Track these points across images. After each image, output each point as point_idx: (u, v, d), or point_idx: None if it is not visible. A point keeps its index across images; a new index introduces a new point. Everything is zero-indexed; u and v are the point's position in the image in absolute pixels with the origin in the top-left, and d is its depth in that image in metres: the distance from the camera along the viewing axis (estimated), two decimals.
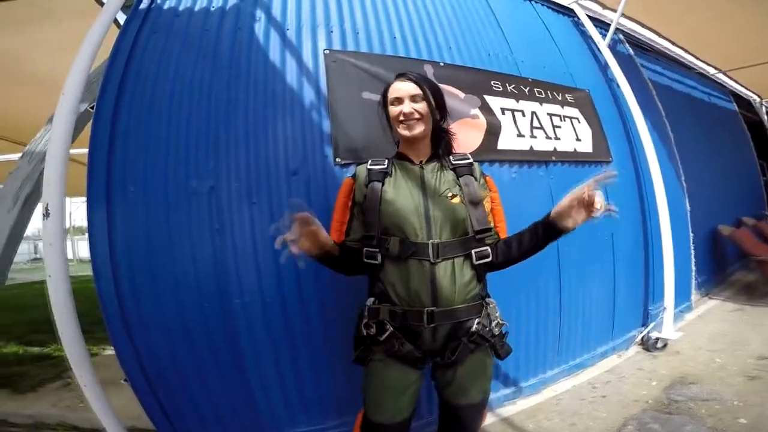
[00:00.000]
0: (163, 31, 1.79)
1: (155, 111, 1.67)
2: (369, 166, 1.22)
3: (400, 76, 1.21)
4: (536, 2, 3.11)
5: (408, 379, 1.13)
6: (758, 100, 6.78)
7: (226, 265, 1.61)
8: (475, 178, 1.21)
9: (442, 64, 2.20)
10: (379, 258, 1.12)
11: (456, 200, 1.15)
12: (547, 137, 2.41)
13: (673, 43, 4.42)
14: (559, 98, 2.58)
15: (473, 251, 1.13)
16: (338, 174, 1.79)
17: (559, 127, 2.49)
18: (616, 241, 2.73)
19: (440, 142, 1.25)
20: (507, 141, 2.24)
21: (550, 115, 2.48)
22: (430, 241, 1.10)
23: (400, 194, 1.16)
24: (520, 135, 2.28)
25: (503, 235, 1.23)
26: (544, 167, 2.40)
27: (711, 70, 5.22)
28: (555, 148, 2.44)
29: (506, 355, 1.17)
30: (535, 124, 2.38)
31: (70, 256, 8.61)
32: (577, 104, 2.68)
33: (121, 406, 1.53)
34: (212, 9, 1.89)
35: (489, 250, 1.16)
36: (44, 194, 1.38)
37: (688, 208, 3.48)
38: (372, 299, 1.15)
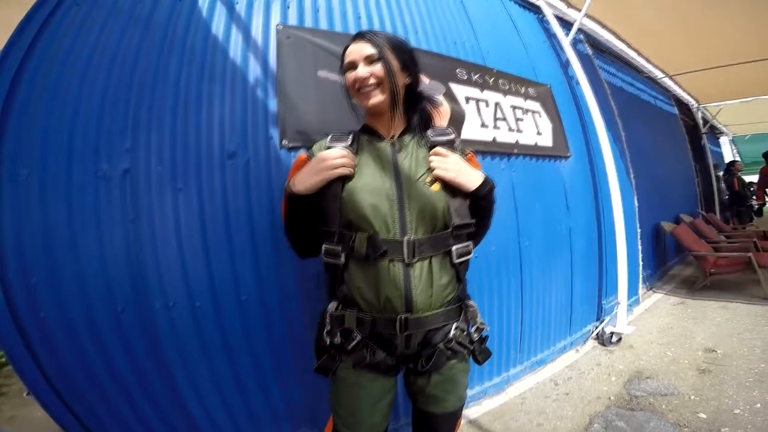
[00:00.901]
0: (89, 1, 1.49)
1: (64, 84, 1.37)
2: (329, 143, 1.03)
3: (357, 36, 1.01)
4: None
5: (383, 388, 1.01)
6: (696, 104, 7.32)
7: (144, 263, 1.36)
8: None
9: None
10: (343, 257, 0.96)
11: (435, 186, 0.97)
12: (510, 129, 2.40)
13: (629, 46, 4.65)
14: (522, 91, 2.56)
15: (453, 248, 0.98)
16: (284, 158, 1.62)
17: (522, 120, 2.47)
18: (573, 236, 2.80)
19: (415, 112, 1.06)
20: (470, 131, 2.19)
21: (514, 107, 2.45)
22: (405, 239, 0.93)
23: (367, 179, 0.97)
24: (483, 125, 2.26)
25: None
26: (506, 159, 2.39)
27: (659, 74, 5.58)
28: (517, 141, 2.44)
29: (485, 360, 1.06)
30: (499, 115, 2.35)
31: None
32: (540, 98, 2.67)
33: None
34: None
35: (471, 245, 1.02)
36: None
37: (637, 204, 3.54)
38: (335, 304, 0.99)
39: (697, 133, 7.53)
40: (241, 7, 1.73)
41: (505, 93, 2.45)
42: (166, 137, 1.46)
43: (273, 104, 1.65)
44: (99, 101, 1.40)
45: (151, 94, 1.47)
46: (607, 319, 2.95)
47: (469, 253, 1.01)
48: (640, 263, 3.73)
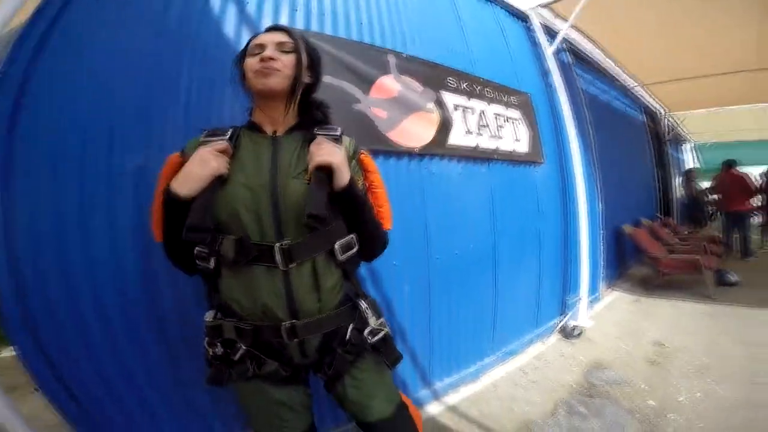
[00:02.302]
0: None
1: (78, 78, 1.40)
2: (203, 138, 0.93)
3: (272, 27, 1.00)
4: (496, 5, 3.31)
5: (288, 395, 0.95)
6: (664, 112, 7.69)
7: (152, 255, 1.40)
8: (348, 158, 0.96)
9: (405, 55, 2.25)
10: (212, 262, 0.89)
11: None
12: (492, 136, 2.65)
13: (606, 55, 4.96)
14: (505, 99, 2.78)
15: (336, 244, 0.91)
16: None
17: (503, 127, 2.71)
18: (542, 237, 3.09)
19: (307, 113, 1.03)
20: (456, 137, 2.39)
21: (496, 115, 2.68)
22: (277, 245, 0.86)
23: (241, 175, 0.89)
24: (468, 132, 2.48)
25: (386, 223, 1.05)
26: (486, 165, 2.62)
27: (631, 83, 5.96)
28: (497, 147, 2.67)
29: (395, 364, 1.00)
30: (482, 122, 2.57)
31: None
32: (520, 106, 2.88)
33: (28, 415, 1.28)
34: None
35: (353, 238, 0.95)
36: None
37: (601, 208, 3.82)
38: (211, 313, 0.93)
39: (660, 141, 7.94)
40: (251, 8, 1.81)
41: (490, 101, 2.68)
42: (179, 135, 1.49)
43: None
44: (112, 96, 1.43)
45: (164, 91, 1.52)
46: (570, 313, 3.29)
47: (352, 246, 0.94)
48: (602, 263, 4.12)
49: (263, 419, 0.95)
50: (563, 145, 3.40)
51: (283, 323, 0.87)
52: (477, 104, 2.54)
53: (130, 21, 1.51)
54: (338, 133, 0.99)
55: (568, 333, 3.06)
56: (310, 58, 0.98)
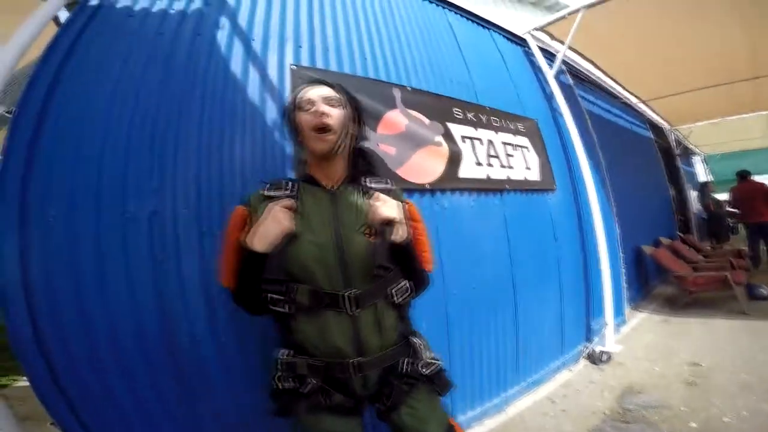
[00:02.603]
0: (112, 31, 1.57)
1: (89, 119, 1.43)
2: (266, 192, 1.01)
3: (315, 81, 1.08)
4: (494, 31, 3.39)
5: (347, 426, 1.02)
6: (668, 127, 7.67)
7: (170, 303, 1.43)
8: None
9: (410, 88, 2.27)
10: (287, 306, 0.96)
11: (373, 238, 1.00)
12: (502, 166, 2.64)
13: (606, 74, 5.01)
14: (512, 127, 2.78)
15: (392, 290, 1.01)
16: None
17: (512, 155, 2.69)
18: (561, 264, 3.01)
19: (357, 164, 1.12)
20: (467, 169, 2.37)
21: (505, 143, 2.67)
22: (347, 293, 0.95)
23: (309, 231, 0.97)
24: (478, 163, 2.47)
25: (428, 266, 1.15)
26: (499, 196, 2.59)
27: (634, 100, 5.99)
28: (508, 177, 2.64)
29: (447, 391, 1.09)
30: (491, 152, 2.56)
31: None
32: (527, 133, 2.87)
33: None
34: (171, 12, 1.72)
35: (407, 284, 1.04)
36: None
37: (618, 230, 3.72)
38: (285, 351, 1.01)
39: (671, 155, 7.86)
40: (257, 45, 1.85)
41: (497, 130, 2.67)
42: (191, 179, 1.53)
43: (289, 147, 1.74)
44: (125, 138, 1.45)
45: (176, 132, 1.53)
46: (596, 339, 3.17)
47: (408, 290, 1.04)
48: (624, 285, 4.00)
49: None
50: (574, 169, 3.38)
51: (351, 361, 0.96)
52: (485, 134, 2.54)
53: (140, 59, 1.55)
54: (390, 186, 1.11)
55: (595, 359, 2.95)
56: (355, 110, 1.07)
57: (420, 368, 1.04)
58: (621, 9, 3.21)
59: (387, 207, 0.96)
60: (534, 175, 2.84)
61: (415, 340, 1.08)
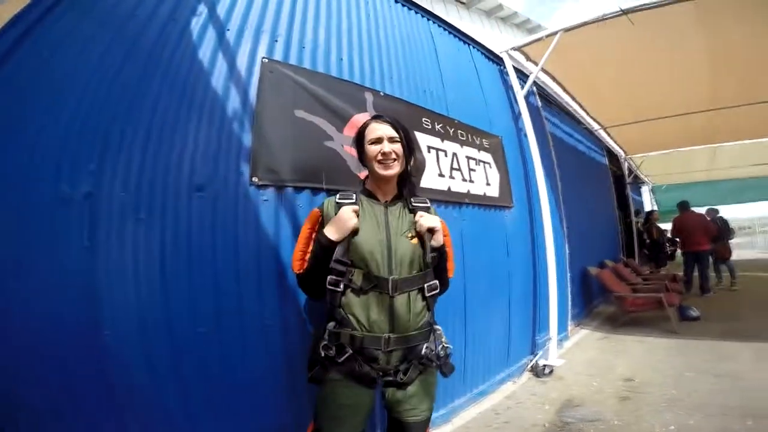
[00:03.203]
0: (84, 10, 1.48)
1: (35, 96, 1.34)
2: (338, 200, 1.32)
3: (378, 117, 1.36)
4: (473, 47, 3.46)
5: (363, 399, 1.23)
6: (623, 155, 8.10)
7: (96, 291, 1.32)
8: None
9: (382, 93, 2.28)
10: (342, 286, 1.24)
11: (414, 241, 1.29)
12: (464, 179, 2.69)
13: (572, 98, 5.27)
14: (477, 142, 2.83)
15: (426, 285, 1.29)
16: (253, 196, 1.65)
17: (474, 170, 2.73)
18: (512, 279, 3.11)
19: (405, 184, 1.40)
20: (429, 180, 2.40)
21: (468, 158, 2.71)
22: (391, 277, 1.23)
23: (367, 231, 1.27)
24: (441, 175, 2.51)
25: (450, 273, 1.45)
26: (458, 208, 2.63)
27: (596, 126, 6.35)
28: (468, 191, 2.70)
29: (450, 373, 1.35)
30: (455, 165, 2.60)
31: None
32: (491, 150, 2.94)
33: None
34: None
35: (437, 283, 1.33)
36: None
37: (567, 250, 3.86)
38: (333, 323, 1.25)
39: (622, 182, 8.32)
40: (231, 34, 1.78)
41: (462, 144, 2.71)
42: (135, 162, 1.44)
43: (247, 139, 1.69)
44: (69, 118, 1.36)
45: (126, 116, 1.45)
46: (540, 353, 3.32)
47: (436, 288, 1.32)
48: (569, 303, 4.20)
49: (337, 410, 1.21)
50: (531, 188, 3.52)
51: (384, 335, 1.21)
52: (450, 146, 2.59)
53: (103, 40, 1.47)
54: (428, 205, 1.40)
55: (538, 372, 3.07)
56: (409, 145, 1.35)
57: (439, 351, 1.29)
58: (597, 33, 3.37)
59: (431, 219, 1.30)
60: (493, 191, 2.93)
61: (437, 327, 1.34)
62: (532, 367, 3.15)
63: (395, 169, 1.30)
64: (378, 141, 1.29)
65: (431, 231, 1.29)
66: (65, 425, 1.26)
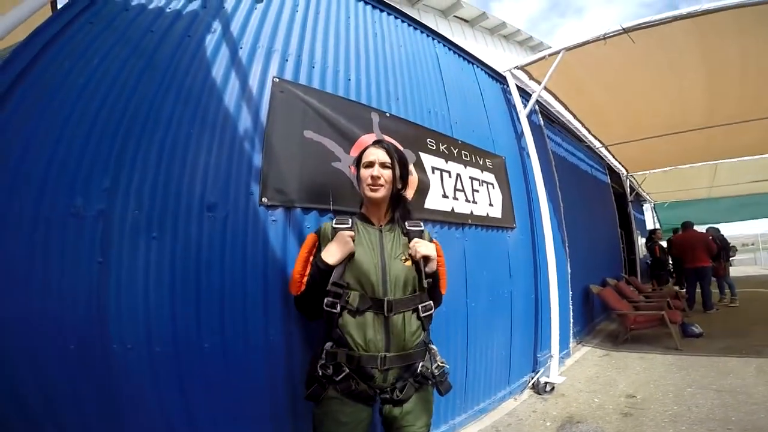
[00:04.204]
0: (103, 22, 1.53)
1: (54, 107, 1.35)
2: (334, 225, 1.36)
3: (377, 143, 1.43)
4: (477, 66, 3.51)
5: (361, 415, 1.26)
6: (625, 173, 8.08)
7: (105, 305, 1.32)
8: None
9: (388, 114, 2.31)
10: (338, 308, 1.27)
11: (408, 263, 1.34)
12: (467, 200, 2.72)
13: (574, 116, 5.30)
14: (481, 163, 2.86)
15: (420, 305, 1.33)
16: (262, 216, 1.67)
17: (477, 191, 2.80)
18: (513, 299, 3.12)
19: (397, 208, 1.45)
20: (433, 200, 2.42)
21: (472, 178, 2.76)
22: (386, 298, 1.27)
23: (363, 254, 1.32)
24: (444, 196, 2.53)
25: (443, 290, 1.50)
26: (461, 229, 2.65)
27: (597, 144, 6.36)
28: (471, 212, 2.72)
29: (447, 392, 1.34)
30: (458, 186, 2.66)
31: None
32: (494, 170, 2.97)
33: None
34: (167, 10, 1.69)
35: (432, 303, 1.38)
36: None
37: (569, 270, 3.90)
38: (330, 343, 1.28)
39: (624, 201, 8.28)
40: (243, 53, 1.82)
41: (466, 164, 2.75)
42: (148, 181, 1.46)
43: (258, 159, 1.72)
44: (86, 132, 1.38)
45: (140, 132, 1.48)
46: (541, 370, 3.30)
47: (430, 309, 1.37)
48: (571, 320, 4.22)
49: (334, 427, 1.22)
50: (534, 208, 3.55)
51: (380, 354, 1.23)
52: (454, 167, 2.61)
53: (122, 55, 1.50)
54: (422, 228, 1.43)
55: (540, 389, 3.06)
56: (402, 169, 1.40)
57: (434, 369, 1.31)
58: (598, 52, 3.42)
59: (426, 247, 1.34)
60: (496, 212, 2.95)
61: (432, 347, 1.37)
62: (533, 384, 3.14)
63: (381, 193, 1.35)
64: (370, 165, 1.36)
65: (426, 259, 1.35)
66: None
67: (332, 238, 1.32)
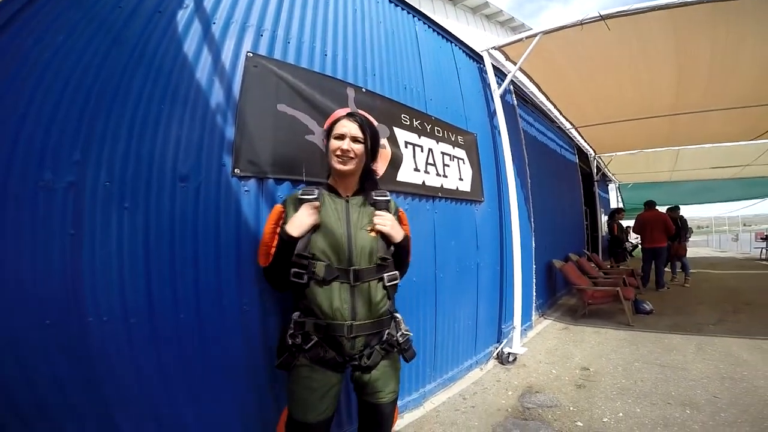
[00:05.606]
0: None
1: (18, 83, 1.33)
2: (300, 196, 1.40)
3: (350, 115, 1.44)
4: (455, 45, 3.57)
5: (330, 382, 1.33)
6: (593, 154, 8.49)
7: (79, 278, 1.35)
8: (391, 213, 1.47)
9: (364, 90, 2.36)
10: (305, 278, 1.32)
11: (373, 234, 1.39)
12: (438, 174, 2.83)
13: (547, 98, 5.46)
14: (453, 139, 2.97)
15: (385, 275, 1.40)
16: (235, 187, 1.73)
17: (448, 165, 2.89)
18: (480, 270, 3.33)
19: (366, 180, 1.50)
20: (405, 174, 2.53)
21: (443, 153, 2.85)
22: (351, 268, 1.33)
23: (328, 225, 1.37)
24: (416, 169, 2.64)
25: (408, 259, 1.56)
26: (431, 202, 2.78)
27: (567, 125, 6.63)
28: (442, 185, 2.85)
29: (411, 359, 1.47)
30: (430, 160, 2.73)
31: None
32: (466, 146, 3.09)
33: None
34: None
35: (397, 273, 1.45)
36: None
37: (534, 245, 4.23)
38: (298, 313, 1.36)
39: (590, 180, 8.74)
40: (216, 28, 1.81)
41: (439, 140, 2.85)
42: (119, 153, 1.48)
43: (230, 131, 1.75)
44: (53, 107, 1.37)
45: (109, 107, 1.48)
46: (505, 341, 3.56)
47: (395, 279, 1.44)
48: (534, 294, 4.49)
49: (306, 394, 1.30)
50: (502, 184, 3.74)
51: (347, 322, 1.30)
52: (427, 142, 2.72)
53: (88, 30, 1.47)
54: (388, 198, 1.49)
55: (503, 359, 3.31)
56: (371, 145, 1.44)
57: (399, 337, 1.40)
58: (574, 37, 3.55)
59: (384, 223, 1.40)
60: (465, 186, 3.11)
61: (398, 315, 1.46)
62: (497, 354, 3.39)
63: (350, 166, 1.38)
64: (341, 137, 1.38)
65: (386, 235, 1.42)
66: (50, 415, 1.27)
67: (297, 209, 1.36)
